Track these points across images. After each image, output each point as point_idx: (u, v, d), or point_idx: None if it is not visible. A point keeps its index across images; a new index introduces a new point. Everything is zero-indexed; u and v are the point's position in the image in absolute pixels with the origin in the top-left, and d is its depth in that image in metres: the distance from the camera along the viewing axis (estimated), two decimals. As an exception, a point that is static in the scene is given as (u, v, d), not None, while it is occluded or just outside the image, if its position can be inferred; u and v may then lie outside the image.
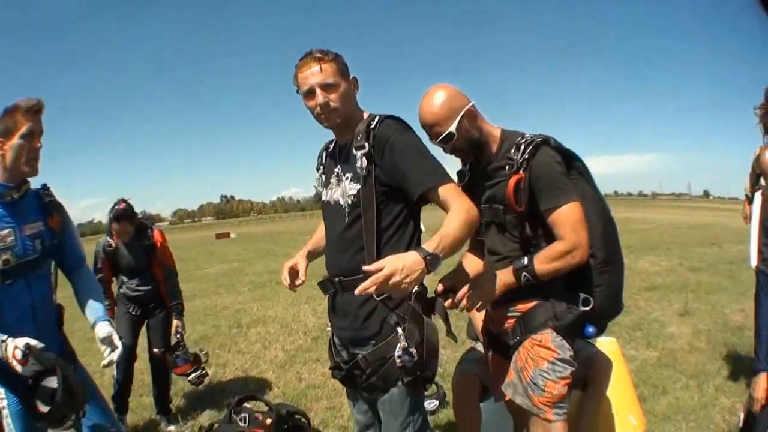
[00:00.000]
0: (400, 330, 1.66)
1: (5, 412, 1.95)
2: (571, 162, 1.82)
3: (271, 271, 10.99)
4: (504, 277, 1.75)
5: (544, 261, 1.71)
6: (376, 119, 1.73)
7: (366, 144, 1.68)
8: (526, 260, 1.73)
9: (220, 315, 6.79)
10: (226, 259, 15.94)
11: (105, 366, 2.04)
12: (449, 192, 1.61)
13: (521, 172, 1.74)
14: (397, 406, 1.71)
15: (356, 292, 1.43)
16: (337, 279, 1.77)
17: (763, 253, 1.92)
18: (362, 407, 1.90)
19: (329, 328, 1.94)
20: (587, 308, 1.78)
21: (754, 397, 1.83)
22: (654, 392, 3.45)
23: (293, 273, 1.96)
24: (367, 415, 1.90)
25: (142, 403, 3.80)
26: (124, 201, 3.43)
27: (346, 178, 1.76)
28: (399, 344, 1.65)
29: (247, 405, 2.79)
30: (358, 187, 1.70)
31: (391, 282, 1.40)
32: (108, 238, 3.46)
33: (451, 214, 1.57)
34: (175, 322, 3.55)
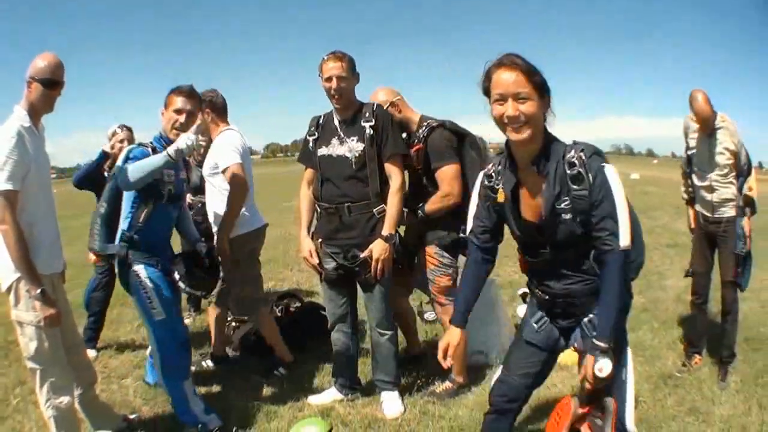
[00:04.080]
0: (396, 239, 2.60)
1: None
2: (462, 137, 2.77)
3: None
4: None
5: (430, 203, 2.69)
6: (375, 106, 2.63)
7: (373, 119, 2.57)
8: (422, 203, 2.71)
9: (292, 242, 7.48)
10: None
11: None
12: (395, 164, 2.59)
13: (421, 144, 2.71)
14: (386, 286, 2.65)
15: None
16: (346, 204, 2.55)
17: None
18: (340, 302, 2.75)
19: (320, 241, 2.67)
20: (463, 235, 2.45)
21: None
22: (620, 330, 3.98)
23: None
24: (341, 308, 2.76)
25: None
26: None
27: (351, 140, 2.56)
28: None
29: (287, 301, 3.77)
30: (363, 146, 2.53)
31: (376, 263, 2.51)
32: None
33: (391, 192, 2.55)
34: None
